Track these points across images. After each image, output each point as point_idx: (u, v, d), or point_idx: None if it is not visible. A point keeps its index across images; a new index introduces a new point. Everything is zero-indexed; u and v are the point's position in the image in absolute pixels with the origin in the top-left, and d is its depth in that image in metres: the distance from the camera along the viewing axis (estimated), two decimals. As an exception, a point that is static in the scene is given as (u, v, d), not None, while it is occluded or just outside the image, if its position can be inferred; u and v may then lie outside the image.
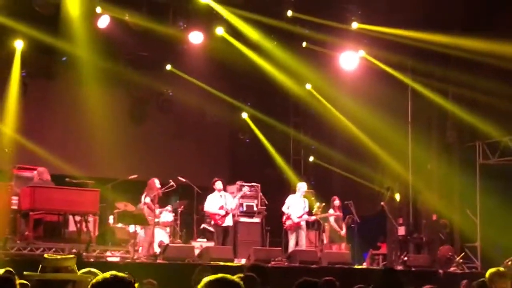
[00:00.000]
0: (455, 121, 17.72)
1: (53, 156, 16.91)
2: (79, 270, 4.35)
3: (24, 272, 4.40)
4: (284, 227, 16.19)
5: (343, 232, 16.68)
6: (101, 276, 3.34)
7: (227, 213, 15.50)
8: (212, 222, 15.79)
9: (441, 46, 16.44)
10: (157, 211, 15.12)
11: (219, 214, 15.42)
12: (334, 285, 7.35)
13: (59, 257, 4.32)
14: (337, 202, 16.82)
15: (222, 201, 15.52)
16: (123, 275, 3.37)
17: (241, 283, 3.44)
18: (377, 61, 18.00)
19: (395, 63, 17.76)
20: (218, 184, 15.71)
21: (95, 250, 13.21)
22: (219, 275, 3.41)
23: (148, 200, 14.96)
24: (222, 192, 15.75)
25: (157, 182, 15.16)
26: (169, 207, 15.85)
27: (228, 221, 15.61)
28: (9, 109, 17.47)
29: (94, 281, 3.32)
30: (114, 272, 3.36)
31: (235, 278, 3.44)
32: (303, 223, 16.00)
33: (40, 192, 13.27)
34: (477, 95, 16.42)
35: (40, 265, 4.25)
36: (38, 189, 13.31)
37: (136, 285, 3.36)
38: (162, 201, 15.57)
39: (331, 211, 16.72)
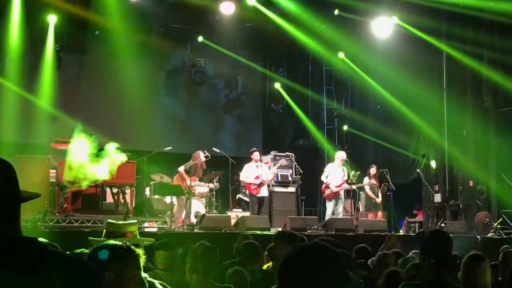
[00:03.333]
0: (491, 86, 17.48)
1: (89, 129, 17.03)
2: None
3: (89, 238, 4.47)
4: (323, 196, 16.16)
5: (379, 199, 16.59)
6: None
7: (262, 184, 15.49)
8: (247, 192, 15.84)
9: (475, 10, 16.21)
10: (192, 183, 15.12)
11: (254, 184, 15.42)
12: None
13: (122, 222, 4.40)
14: (373, 170, 16.72)
15: (258, 172, 15.53)
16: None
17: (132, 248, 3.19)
18: (411, 26, 17.79)
19: (429, 28, 17.54)
20: (256, 155, 15.64)
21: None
22: (107, 243, 3.20)
23: (181, 168, 15.01)
24: (259, 163, 15.72)
25: (201, 155, 15.19)
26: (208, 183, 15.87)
27: (263, 192, 15.59)
28: (45, 83, 17.66)
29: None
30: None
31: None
32: (341, 192, 15.98)
33: (77, 164, 13.35)
34: (513, 59, 16.18)
35: (104, 230, 4.31)
36: (75, 161, 13.40)
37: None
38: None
39: (365, 179, 16.64)
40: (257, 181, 15.39)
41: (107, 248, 3.09)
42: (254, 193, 15.42)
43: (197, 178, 15.37)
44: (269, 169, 16.39)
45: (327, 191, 15.80)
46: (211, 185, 15.70)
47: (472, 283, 5.05)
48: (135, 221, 4.43)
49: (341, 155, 16.21)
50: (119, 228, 4.43)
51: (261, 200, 15.52)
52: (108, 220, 4.51)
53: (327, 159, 19.75)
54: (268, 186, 16.18)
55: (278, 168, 16.64)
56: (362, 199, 17.42)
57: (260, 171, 15.55)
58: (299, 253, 2.25)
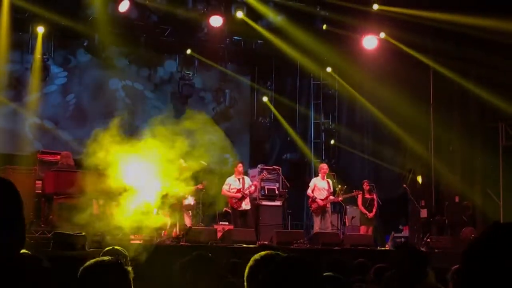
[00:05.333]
0: (477, 102, 17.57)
1: (76, 141, 17.00)
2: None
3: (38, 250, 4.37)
4: (311, 210, 16.15)
5: (371, 214, 16.55)
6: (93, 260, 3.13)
7: (243, 197, 15.42)
8: (229, 205, 15.79)
9: (462, 27, 16.30)
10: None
11: (235, 198, 15.36)
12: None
13: (70, 233, 4.30)
14: (366, 185, 16.74)
15: (239, 185, 15.47)
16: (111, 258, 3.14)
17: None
18: (398, 42, 17.89)
19: (416, 44, 17.63)
20: (240, 168, 15.65)
21: (119, 233, 13.26)
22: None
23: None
24: (241, 176, 15.67)
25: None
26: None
27: (245, 205, 15.53)
28: (32, 94, 17.60)
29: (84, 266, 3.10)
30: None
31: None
32: (328, 205, 15.96)
33: (64, 176, 13.34)
34: (499, 76, 16.25)
35: (52, 241, 4.19)
36: (61, 173, 13.39)
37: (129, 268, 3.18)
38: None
39: (359, 197, 16.61)
40: (238, 195, 15.32)
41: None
42: (236, 206, 15.35)
43: None
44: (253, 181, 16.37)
45: (314, 205, 15.79)
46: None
47: None
48: (84, 233, 4.31)
49: (323, 167, 16.26)
50: (68, 239, 4.27)
51: (243, 213, 15.43)
52: (56, 231, 4.40)
53: (314, 173, 19.76)
54: (255, 199, 16.14)
55: (262, 181, 16.59)
56: (348, 213, 17.41)
57: (241, 184, 15.49)
58: (280, 266, 2.24)
